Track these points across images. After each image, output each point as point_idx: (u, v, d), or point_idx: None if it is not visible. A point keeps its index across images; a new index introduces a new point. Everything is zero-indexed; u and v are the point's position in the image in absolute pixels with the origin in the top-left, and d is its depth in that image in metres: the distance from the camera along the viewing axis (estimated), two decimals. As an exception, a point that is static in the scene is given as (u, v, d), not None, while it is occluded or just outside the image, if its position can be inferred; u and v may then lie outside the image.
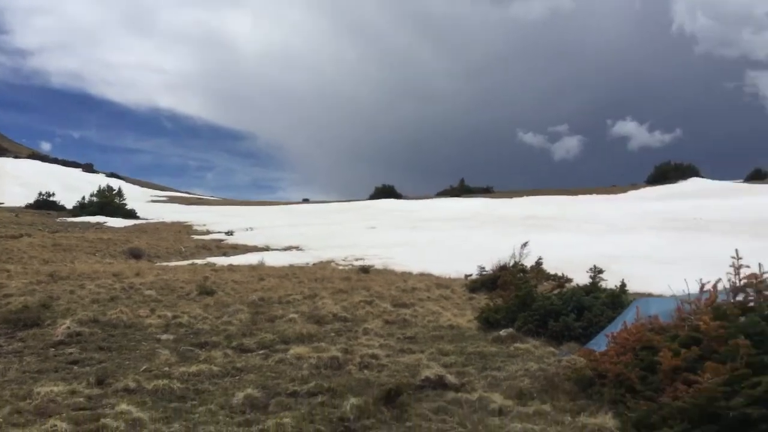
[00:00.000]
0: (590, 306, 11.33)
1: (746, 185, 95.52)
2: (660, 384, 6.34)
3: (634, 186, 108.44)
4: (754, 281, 6.80)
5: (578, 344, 10.79)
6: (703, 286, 7.17)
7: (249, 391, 7.34)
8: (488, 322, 12.15)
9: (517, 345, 10.24)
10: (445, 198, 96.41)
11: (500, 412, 6.92)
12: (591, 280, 12.73)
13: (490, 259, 21.88)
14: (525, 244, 19.58)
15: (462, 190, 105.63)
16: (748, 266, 7.16)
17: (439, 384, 7.86)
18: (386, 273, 28.77)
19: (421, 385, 7.78)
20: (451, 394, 7.59)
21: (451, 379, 8.04)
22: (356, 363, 8.93)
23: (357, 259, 35.74)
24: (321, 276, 24.77)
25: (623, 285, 12.31)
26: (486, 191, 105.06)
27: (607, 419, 6.29)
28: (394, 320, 13.09)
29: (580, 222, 59.15)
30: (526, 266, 14.01)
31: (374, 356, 9.26)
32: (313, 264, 34.20)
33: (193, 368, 8.38)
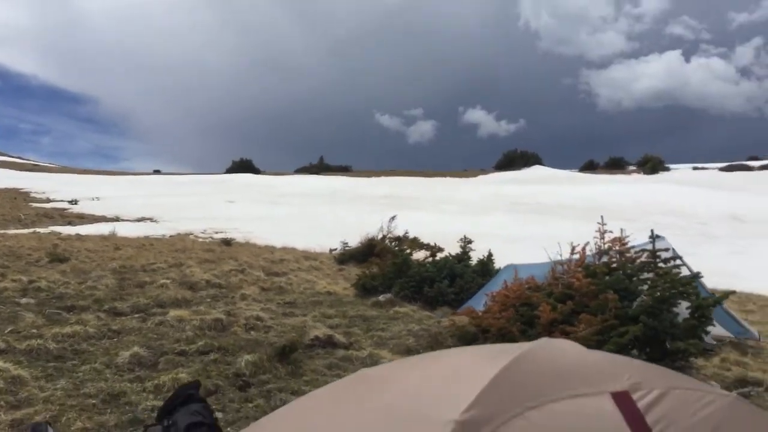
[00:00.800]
0: (462, 273, 11.98)
1: (581, 174, 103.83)
2: (539, 336, 6.90)
3: (484, 171, 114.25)
4: (618, 245, 7.58)
5: (451, 308, 11.41)
6: (573, 249, 7.86)
7: (135, 349, 7.08)
8: (365, 288, 12.45)
9: (396, 309, 10.63)
10: (304, 175, 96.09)
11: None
12: (461, 250, 13.42)
13: (352, 234, 22.32)
14: (393, 218, 20.15)
15: (321, 168, 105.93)
16: (611, 231, 7.96)
17: (329, 343, 8.01)
18: (249, 246, 28.38)
19: (311, 344, 7.89)
20: (341, 352, 7.77)
21: (339, 338, 8.22)
22: (241, 324, 8.85)
23: (217, 232, 34.94)
24: (182, 247, 24.01)
25: (490, 255, 13.11)
26: (345, 170, 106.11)
27: (492, 369, 6.76)
28: (270, 288, 13.04)
29: (437, 202, 61.56)
30: (400, 236, 14.38)
31: (259, 318, 9.22)
32: (170, 236, 32.94)
33: (67, 329, 7.90)
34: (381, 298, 11.33)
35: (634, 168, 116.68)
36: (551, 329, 6.79)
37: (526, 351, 1.92)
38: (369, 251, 19.71)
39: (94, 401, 5.54)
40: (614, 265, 7.51)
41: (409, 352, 7.85)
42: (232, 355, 7.22)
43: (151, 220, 42.22)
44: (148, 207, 48.77)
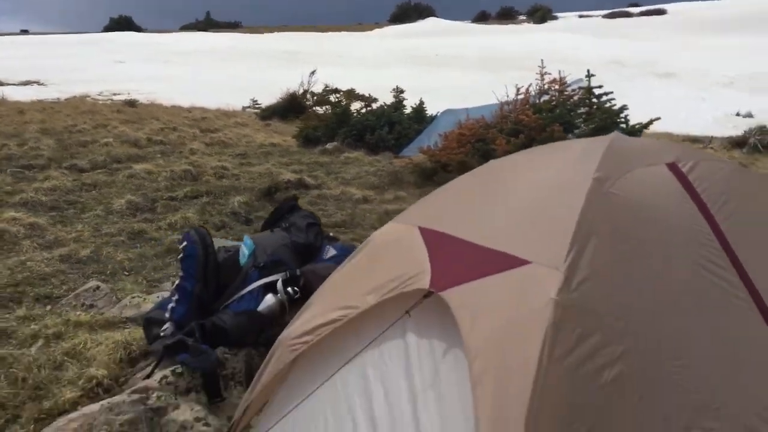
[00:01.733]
0: (399, 120, 12.76)
1: (474, 25, 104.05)
2: (495, 166, 7.91)
3: (379, 25, 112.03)
4: (557, 84, 8.54)
5: (392, 153, 12.28)
6: (518, 90, 8.77)
7: (129, 197, 7.53)
8: (308, 139, 13.03)
9: (346, 155, 11.37)
10: (190, 32, 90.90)
11: (365, 200, 8.08)
12: (395, 99, 14.10)
13: (259, 92, 22.44)
14: (313, 73, 20.29)
15: (209, 25, 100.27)
16: (549, 73, 8.89)
17: (301, 184, 8.72)
18: (157, 107, 27.60)
19: (286, 186, 8.57)
20: (315, 191, 8.53)
21: (308, 180, 8.93)
22: (210, 174, 9.33)
23: (114, 94, 33.42)
24: (89, 109, 23.11)
25: (422, 102, 13.89)
26: (234, 26, 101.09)
27: (456, 197, 7.77)
28: (213, 142, 13.32)
29: (335, 57, 60.62)
30: (326, 90, 14.64)
31: (224, 168, 9.72)
32: (66, 99, 31.30)
33: (46, 184, 8.15)
34: (328, 146, 12.00)
35: (524, 18, 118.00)
36: (506, 160, 7.80)
37: (610, 141, 2.74)
38: (291, 106, 19.97)
39: (121, 238, 6.09)
40: (554, 102, 8.51)
41: (374, 187, 8.71)
42: (221, 198, 7.81)
43: (38, 83, 39.53)
44: (29, 70, 45.32)
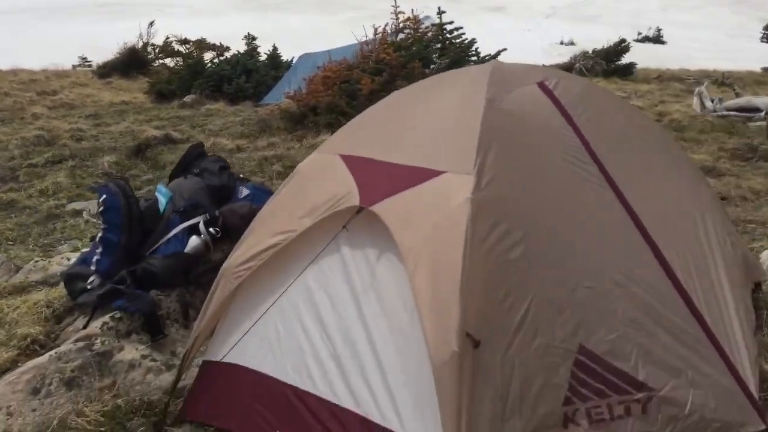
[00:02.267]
0: (255, 68, 12.71)
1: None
2: (361, 105, 8.28)
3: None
4: (412, 23, 8.99)
5: (252, 102, 12.29)
6: (376, 29, 9.13)
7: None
8: (161, 94, 12.64)
9: (207, 107, 11.24)
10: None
11: (239, 149, 8.19)
12: (248, 47, 13.94)
13: (84, 48, 21.26)
14: (152, 24, 19.34)
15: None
16: (403, 12, 9.31)
17: (168, 139, 8.61)
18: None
19: (155, 143, 8.43)
20: (183, 145, 8.45)
21: (175, 134, 8.83)
22: (66, 137, 8.94)
23: None
24: None
25: (275, 48, 13.86)
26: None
27: (327, 137, 8.08)
28: (56, 105, 12.54)
29: (159, 7, 57.18)
30: (183, 41, 14.12)
31: (80, 130, 9.33)
32: None
33: None
34: (186, 99, 11.76)
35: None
36: (372, 98, 8.19)
37: (491, 69, 3.18)
38: (132, 61, 18.99)
39: (-6, 211, 5.86)
40: (410, 40, 8.95)
41: (245, 136, 8.81)
42: (87, 160, 7.59)
43: None
44: None
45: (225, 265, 2.98)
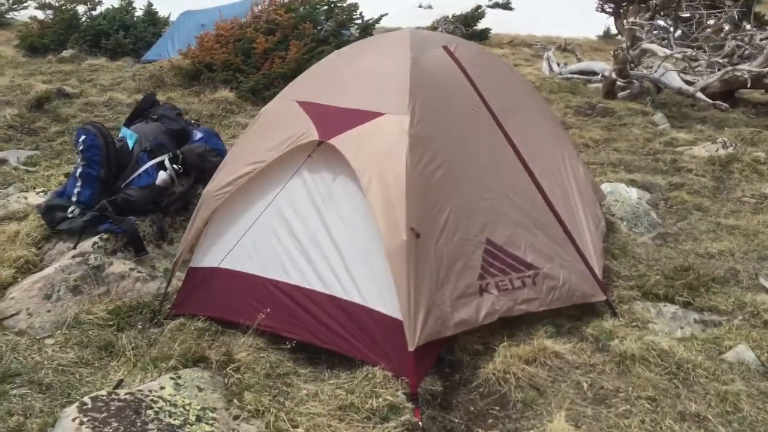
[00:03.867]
0: (133, 24, 12.71)
1: None
2: (257, 63, 8.90)
3: None
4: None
5: (132, 58, 12.34)
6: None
7: None
8: (34, 48, 12.31)
9: (90, 62, 11.19)
10: None
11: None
12: (121, 2, 13.76)
13: None
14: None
15: None
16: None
17: (63, 94, 8.70)
18: None
19: (55, 96, 8.46)
20: (80, 100, 8.64)
21: (68, 89, 8.93)
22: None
23: None
24: None
25: (151, 4, 13.83)
26: None
27: (226, 93, 8.64)
28: None
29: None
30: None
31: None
32: None
33: None
34: (65, 54, 11.60)
35: None
36: (266, 56, 8.82)
37: (410, 35, 4.06)
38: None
39: None
40: (299, 2, 9.58)
41: (140, 91, 9.09)
42: (-12, 114, 7.61)
43: None
44: None
45: (206, 190, 3.71)
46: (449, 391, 3.22)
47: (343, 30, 9.28)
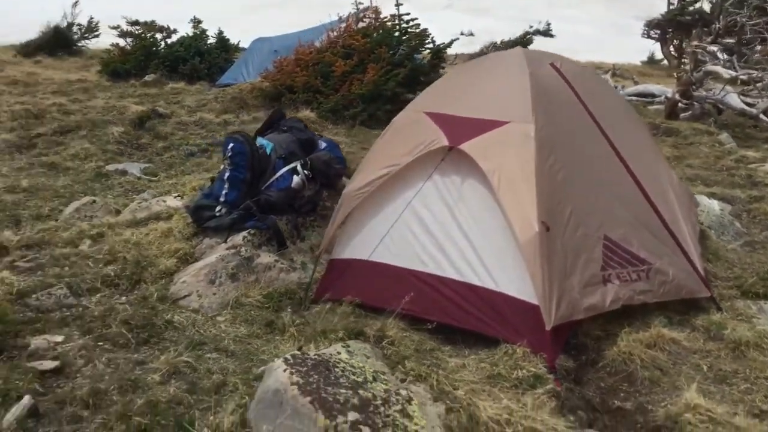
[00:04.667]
0: (208, 50, 13.45)
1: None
2: (335, 85, 9.43)
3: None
4: (373, 12, 10.19)
5: (207, 82, 13.05)
6: (341, 17, 10.27)
7: (5, 136, 7.71)
8: (116, 74, 13.11)
9: (172, 86, 11.91)
10: None
11: (227, 123, 9.11)
12: (194, 30, 14.57)
13: None
14: (76, 3, 19.32)
15: None
16: (362, 2, 10.49)
17: (158, 114, 9.34)
18: None
19: (152, 116, 9.09)
20: (173, 119, 9.26)
21: (162, 110, 9.57)
22: (54, 111, 9.44)
23: None
24: None
25: (221, 31, 14.61)
26: None
27: (307, 113, 9.16)
28: (9, 83, 12.68)
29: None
30: (134, 22, 14.36)
31: (61, 105, 9.83)
32: None
33: None
34: (147, 78, 12.35)
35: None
36: (344, 79, 9.35)
37: (524, 53, 4.49)
38: (57, 41, 18.94)
39: (42, 170, 6.57)
40: (372, 28, 10.11)
41: (226, 112, 9.70)
42: (94, 130, 8.24)
43: None
44: None
45: (345, 191, 4.17)
46: (579, 369, 3.57)
47: (415, 54, 9.77)
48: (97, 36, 19.65)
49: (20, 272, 4.19)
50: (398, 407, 2.82)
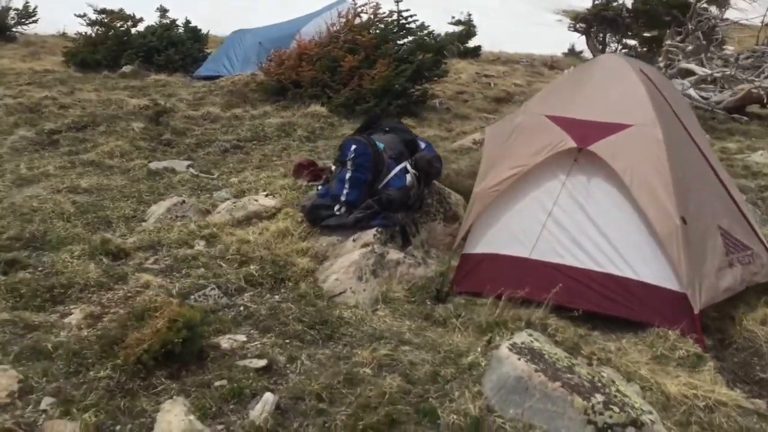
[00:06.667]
0: (181, 41, 13.14)
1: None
2: (342, 80, 9.54)
3: None
4: (372, 8, 10.34)
5: (183, 73, 12.77)
6: (340, 13, 10.36)
7: (22, 133, 7.41)
8: (86, 64, 12.57)
9: (154, 78, 11.57)
10: None
11: (237, 117, 9.04)
12: (161, 20, 14.14)
13: None
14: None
15: None
16: (359, -2, 10.60)
17: (153, 107, 9.09)
18: None
19: (165, 111, 8.85)
20: (179, 114, 9.07)
21: (161, 103, 9.33)
22: (47, 105, 9.07)
23: None
24: None
25: (188, 21, 14.25)
26: None
27: (318, 108, 9.24)
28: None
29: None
30: (102, 11, 13.46)
31: (54, 98, 9.43)
32: None
33: None
34: (125, 69, 11.94)
35: None
36: (351, 74, 9.47)
37: (625, 58, 4.86)
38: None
39: (88, 169, 6.41)
40: (371, 23, 10.24)
41: (230, 106, 9.61)
42: (112, 126, 8.01)
43: None
44: None
45: (476, 189, 4.42)
46: (714, 348, 4.00)
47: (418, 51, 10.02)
48: (35, 21, 18.63)
49: (156, 274, 4.20)
50: (614, 388, 3.13)
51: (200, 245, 4.64)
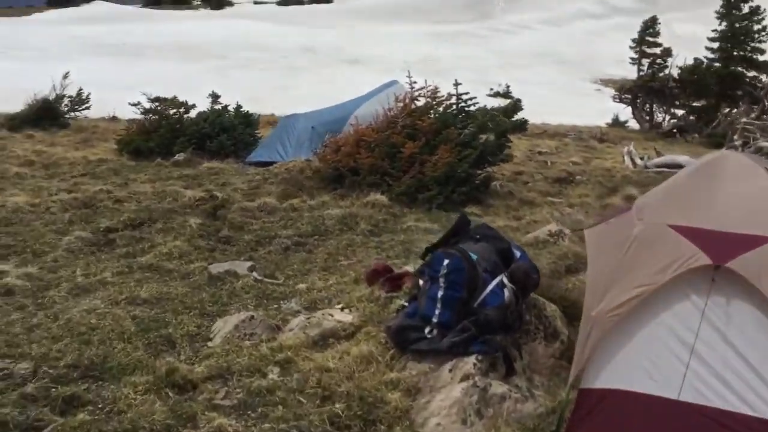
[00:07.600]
0: (232, 127, 13.05)
1: (149, 10, 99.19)
2: (402, 167, 9.17)
3: (38, 9, 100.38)
4: (430, 92, 10.06)
5: (234, 159, 12.62)
6: (397, 98, 10.09)
7: (78, 233, 7.12)
8: (139, 152, 12.54)
9: (207, 165, 11.41)
10: None
11: (294, 209, 8.68)
12: (212, 105, 14.16)
13: None
14: (67, 75, 18.61)
15: None
16: (416, 82, 10.36)
17: (213, 200, 8.82)
18: None
19: (223, 204, 8.57)
20: (234, 205, 8.76)
21: (217, 194, 9.07)
22: (102, 199, 8.87)
23: None
24: None
25: (240, 105, 14.21)
26: None
27: (378, 196, 8.83)
28: (24, 163, 11.95)
29: (5, 48, 53.32)
30: (156, 98, 13.50)
31: (108, 192, 9.24)
32: None
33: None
34: (179, 157, 11.82)
35: (200, 2, 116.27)
36: (411, 161, 9.11)
37: (746, 156, 4.34)
38: (45, 114, 18.10)
39: (147, 274, 6.01)
40: (430, 107, 9.97)
41: (286, 196, 9.28)
42: (168, 222, 7.70)
43: None
44: None
45: (597, 310, 3.82)
46: None
47: (481, 134, 9.66)
48: (88, 108, 18.97)
49: (228, 414, 3.68)
50: None
51: (274, 373, 4.13)
